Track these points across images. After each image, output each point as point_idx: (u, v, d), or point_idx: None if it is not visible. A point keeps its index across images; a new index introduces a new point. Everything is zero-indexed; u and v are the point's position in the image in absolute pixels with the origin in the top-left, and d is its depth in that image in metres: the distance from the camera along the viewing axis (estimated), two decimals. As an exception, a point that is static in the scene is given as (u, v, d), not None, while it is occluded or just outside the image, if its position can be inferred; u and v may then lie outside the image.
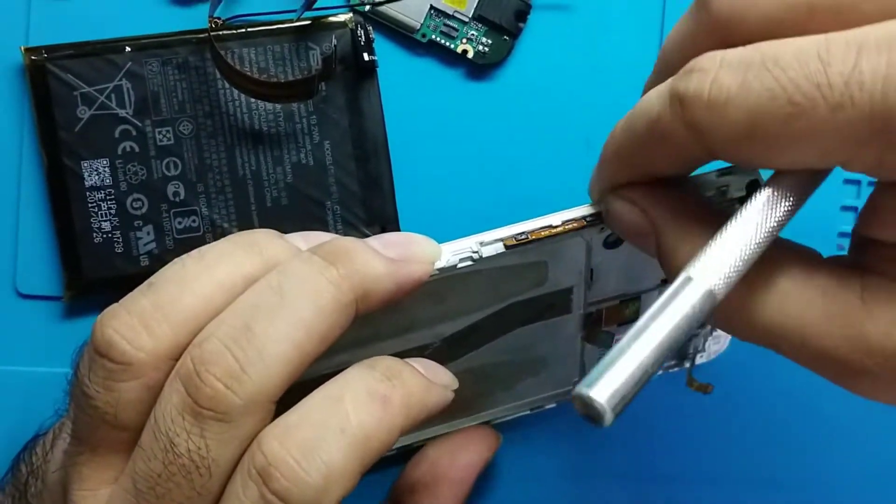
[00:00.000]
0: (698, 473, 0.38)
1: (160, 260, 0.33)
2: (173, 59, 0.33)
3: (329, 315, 0.22)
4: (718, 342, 0.35)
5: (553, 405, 0.34)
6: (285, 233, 0.25)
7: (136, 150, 0.33)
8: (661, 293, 0.28)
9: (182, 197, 0.33)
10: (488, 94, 0.36)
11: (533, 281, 0.29)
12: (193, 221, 0.33)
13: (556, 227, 0.26)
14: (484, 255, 0.26)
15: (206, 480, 0.21)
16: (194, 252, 0.23)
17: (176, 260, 0.23)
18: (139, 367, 0.21)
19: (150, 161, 0.33)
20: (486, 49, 0.35)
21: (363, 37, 0.34)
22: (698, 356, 0.35)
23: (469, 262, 0.26)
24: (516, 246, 0.25)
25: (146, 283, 0.23)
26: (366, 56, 0.34)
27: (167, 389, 0.21)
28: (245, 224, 0.34)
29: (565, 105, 0.36)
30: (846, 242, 0.37)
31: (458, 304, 0.28)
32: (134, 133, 0.33)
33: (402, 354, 0.27)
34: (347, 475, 0.21)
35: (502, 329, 0.30)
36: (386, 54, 0.35)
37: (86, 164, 0.33)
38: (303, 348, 0.21)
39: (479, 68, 0.36)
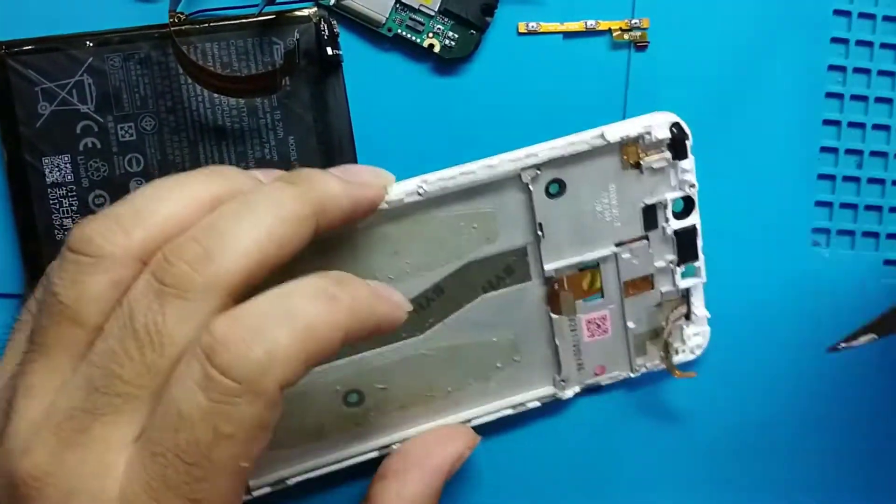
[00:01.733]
0: (680, 479, 0.38)
1: (123, 257, 0.33)
2: (135, 54, 0.33)
3: (289, 222, 0.24)
4: (699, 336, 0.35)
5: (537, 405, 0.34)
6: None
7: (98, 146, 0.33)
8: (618, 259, 0.32)
9: (145, 193, 0.33)
10: (456, 88, 0.36)
11: (484, 235, 0.31)
12: (157, 218, 0.33)
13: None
14: (429, 190, 0.30)
15: (158, 357, 0.22)
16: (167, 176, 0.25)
17: (152, 181, 0.25)
18: (109, 261, 0.23)
19: (113, 157, 0.33)
20: (453, 43, 0.35)
21: (327, 31, 0.33)
22: (680, 351, 0.35)
23: (416, 197, 0.30)
24: None
25: (123, 197, 0.24)
26: (329, 50, 0.33)
27: (138, 280, 0.23)
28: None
29: (534, 99, 0.36)
30: (820, 238, 0.37)
31: (415, 256, 0.31)
32: (96, 129, 0.33)
33: None
34: (291, 359, 0.22)
35: (466, 294, 0.32)
36: (351, 49, 0.35)
37: (47, 161, 0.32)
38: (263, 248, 0.23)
39: (446, 63, 0.36)
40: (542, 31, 0.36)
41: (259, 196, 0.24)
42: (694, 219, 0.33)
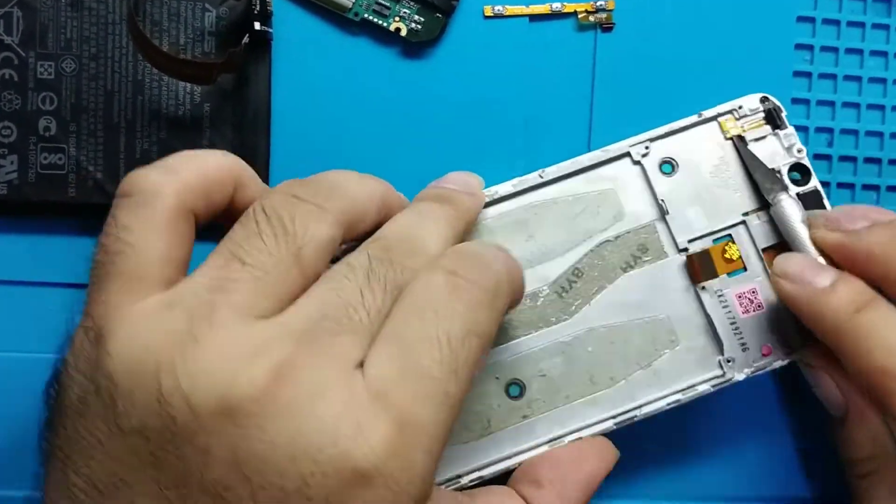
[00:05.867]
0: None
1: (18, 191, 0.33)
2: (69, -4, 0.33)
3: (454, 233, 0.28)
4: None
5: (708, 388, 0.33)
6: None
7: (15, 78, 0.33)
8: (749, 227, 0.33)
9: (52, 133, 0.33)
10: (423, 71, 0.36)
11: (610, 213, 0.33)
12: (59, 159, 0.33)
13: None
14: (548, 173, 0.33)
15: (385, 304, 0.24)
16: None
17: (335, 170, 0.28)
18: (333, 216, 0.25)
19: (27, 92, 0.33)
20: (419, 27, 0.35)
21: (258, 6, 0.33)
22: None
23: (538, 180, 0.33)
24: None
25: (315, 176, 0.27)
26: (257, 25, 0.33)
27: (364, 253, 0.26)
28: (111, 171, 0.33)
29: (501, 82, 0.36)
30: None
31: (549, 239, 0.33)
32: (15, 62, 0.33)
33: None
34: (509, 285, 0.27)
35: (607, 275, 0.33)
36: (318, 34, 0.36)
37: (-40, 84, 0.33)
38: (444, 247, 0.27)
39: (413, 46, 0.36)
40: (507, 14, 0.36)
41: (431, 213, 0.28)
42: (814, 183, 0.33)
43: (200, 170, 0.26)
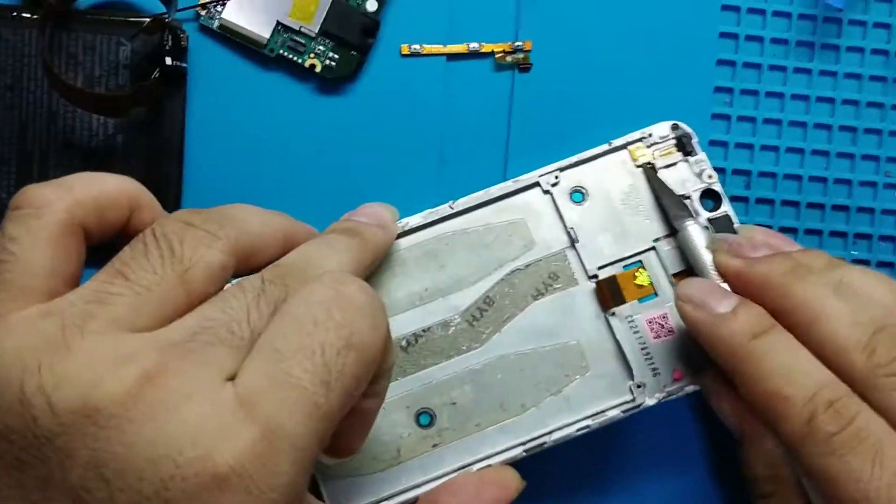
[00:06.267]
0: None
1: (-69, 216, 0.34)
2: (-15, 28, 0.34)
3: (358, 265, 0.29)
4: None
5: (618, 413, 0.33)
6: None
7: (-70, 107, 0.34)
8: (659, 253, 0.34)
9: (-35, 161, 0.34)
10: (339, 108, 0.37)
11: (521, 242, 0.33)
12: (-28, 187, 0.34)
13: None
14: (458, 204, 0.33)
15: (262, 322, 0.24)
16: None
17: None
18: (224, 244, 0.25)
19: (-58, 121, 0.34)
20: (334, 63, 0.36)
21: (170, 42, 0.34)
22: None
23: (448, 211, 0.33)
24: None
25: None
26: (169, 60, 0.34)
27: (254, 277, 0.26)
28: (23, 199, 0.34)
29: (417, 120, 0.37)
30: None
31: (460, 268, 0.33)
32: (-71, 92, 0.34)
33: (427, 331, 0.33)
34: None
35: (517, 302, 0.33)
36: (234, 69, 0.36)
37: None
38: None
39: (330, 83, 0.36)
40: (425, 52, 0.37)
41: (338, 243, 0.28)
42: (725, 208, 0.34)
43: (95, 189, 0.26)
